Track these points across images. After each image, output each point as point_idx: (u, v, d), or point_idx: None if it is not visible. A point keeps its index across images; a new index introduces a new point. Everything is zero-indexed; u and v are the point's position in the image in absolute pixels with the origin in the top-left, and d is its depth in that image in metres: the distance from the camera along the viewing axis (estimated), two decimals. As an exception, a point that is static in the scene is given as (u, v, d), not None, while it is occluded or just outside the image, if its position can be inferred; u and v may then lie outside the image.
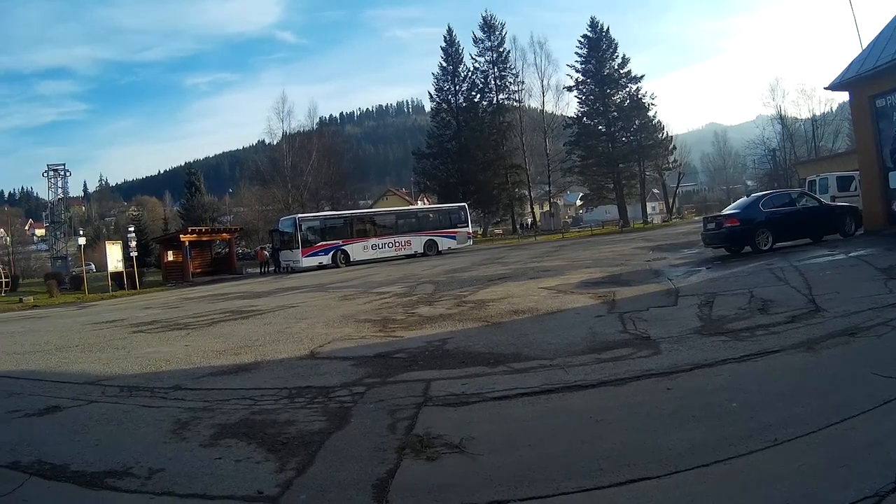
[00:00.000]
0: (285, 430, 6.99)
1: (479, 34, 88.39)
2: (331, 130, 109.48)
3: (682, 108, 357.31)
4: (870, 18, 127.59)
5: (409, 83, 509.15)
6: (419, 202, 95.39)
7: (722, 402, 6.64)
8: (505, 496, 4.96)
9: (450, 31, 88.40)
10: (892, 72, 21.69)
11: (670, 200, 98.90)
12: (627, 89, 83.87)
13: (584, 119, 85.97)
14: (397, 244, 50.74)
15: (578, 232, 77.27)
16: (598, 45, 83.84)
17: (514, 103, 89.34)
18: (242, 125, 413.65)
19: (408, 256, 50.35)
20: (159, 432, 7.31)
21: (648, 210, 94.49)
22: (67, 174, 59.83)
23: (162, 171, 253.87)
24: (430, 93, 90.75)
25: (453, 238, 53.13)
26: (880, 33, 23.67)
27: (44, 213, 68.77)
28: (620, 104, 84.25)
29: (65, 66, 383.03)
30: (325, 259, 47.11)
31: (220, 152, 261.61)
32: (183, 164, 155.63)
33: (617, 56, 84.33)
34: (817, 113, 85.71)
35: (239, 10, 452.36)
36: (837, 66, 75.72)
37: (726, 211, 25.76)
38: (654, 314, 12.44)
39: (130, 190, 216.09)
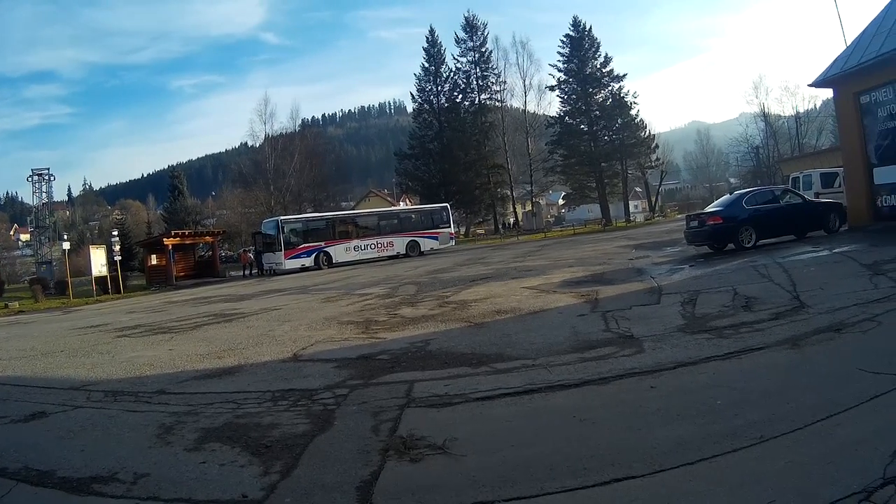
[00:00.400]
0: (269, 434, 6.98)
1: (462, 34, 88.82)
2: (313, 132, 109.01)
3: (664, 106, 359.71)
4: (854, 15, 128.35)
5: (395, 84, 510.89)
6: (401, 203, 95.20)
7: (707, 400, 6.65)
8: (489, 497, 4.96)
9: (432, 31, 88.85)
10: (877, 68, 21.78)
11: (653, 199, 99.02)
12: (610, 88, 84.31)
13: (567, 118, 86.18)
14: (379, 245, 50.77)
15: (561, 231, 77.46)
16: (580, 45, 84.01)
17: (497, 103, 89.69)
18: (228, 126, 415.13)
19: (390, 258, 50.32)
20: (144, 437, 7.30)
21: (631, 208, 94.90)
22: (52, 178, 59.53)
23: (145, 175, 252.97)
24: (412, 93, 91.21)
25: (436, 239, 53.19)
26: (864, 30, 23.75)
27: (28, 218, 68.45)
28: (603, 103, 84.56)
29: (51, 70, 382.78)
30: (308, 261, 47.14)
31: (204, 155, 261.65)
32: (166, 167, 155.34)
33: (599, 55, 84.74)
34: (801, 110, 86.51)
35: (225, 13, 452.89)
36: (821, 63, 75.87)
37: (709, 209, 25.77)
38: (638, 313, 12.47)
39: (114, 194, 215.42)
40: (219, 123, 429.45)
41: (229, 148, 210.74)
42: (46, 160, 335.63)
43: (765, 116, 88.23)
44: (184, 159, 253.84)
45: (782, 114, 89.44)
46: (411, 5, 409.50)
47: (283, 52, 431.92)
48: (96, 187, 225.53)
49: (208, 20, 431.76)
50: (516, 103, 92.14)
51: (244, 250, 60.90)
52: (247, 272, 52.84)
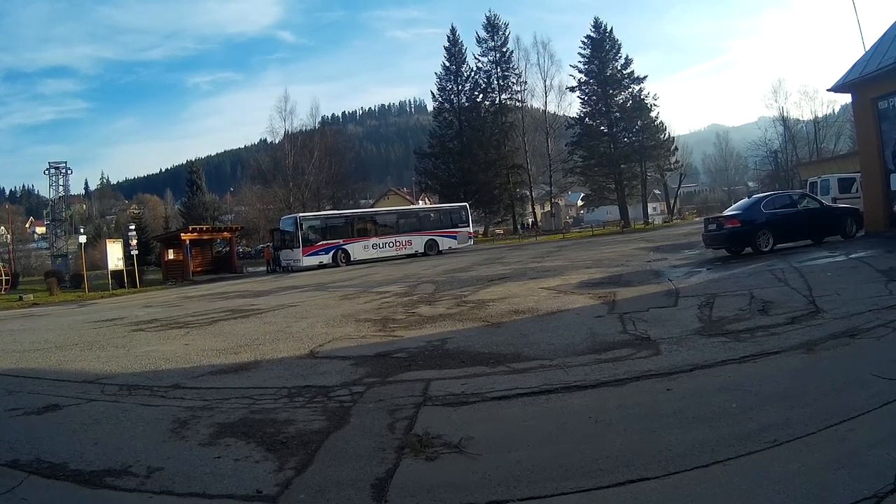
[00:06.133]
0: (284, 430, 6.99)
1: (483, 34, 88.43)
2: (333, 129, 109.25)
3: (684, 108, 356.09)
4: (873, 20, 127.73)
5: (410, 84, 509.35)
6: (420, 202, 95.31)
7: (721, 403, 6.65)
8: (504, 496, 4.97)
9: (453, 30, 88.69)
10: (895, 74, 21.68)
11: (671, 201, 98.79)
12: (630, 90, 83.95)
13: (587, 119, 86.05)
14: (398, 244, 50.74)
15: (579, 232, 77.21)
16: (601, 46, 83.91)
17: (517, 103, 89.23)
18: (244, 124, 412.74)
19: (408, 256, 50.29)
20: (158, 431, 7.31)
21: (650, 211, 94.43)
22: (69, 172, 59.78)
23: (163, 170, 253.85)
24: (432, 92, 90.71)
25: (454, 238, 53.07)
26: (883, 35, 23.71)
27: (45, 211, 68.78)
28: (623, 105, 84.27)
29: (66, 65, 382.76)
30: (326, 258, 47.09)
31: (222, 151, 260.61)
32: (184, 162, 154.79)
33: (620, 57, 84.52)
34: (819, 114, 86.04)
35: (239, 11, 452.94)
36: (840, 67, 75.71)
37: (727, 212, 25.74)
38: (655, 315, 12.43)
39: (132, 188, 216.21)
40: (234, 120, 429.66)
41: (248, 144, 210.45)
42: (62, 154, 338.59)
43: (783, 120, 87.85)
44: (202, 154, 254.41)
45: (801, 118, 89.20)
46: (426, 6, 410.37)
47: (298, 51, 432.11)
48: (113, 181, 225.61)
49: (222, 18, 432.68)
50: (536, 104, 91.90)
51: (267, 246, 60.90)
52: (270, 268, 52.67)
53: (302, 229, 46.79)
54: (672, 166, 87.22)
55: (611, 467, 5.30)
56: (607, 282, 18.57)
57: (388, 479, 5.45)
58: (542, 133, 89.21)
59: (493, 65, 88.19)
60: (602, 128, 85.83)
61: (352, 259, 47.90)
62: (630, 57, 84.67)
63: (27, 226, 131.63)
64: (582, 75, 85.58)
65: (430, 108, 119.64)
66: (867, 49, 25.06)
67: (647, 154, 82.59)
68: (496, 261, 34.21)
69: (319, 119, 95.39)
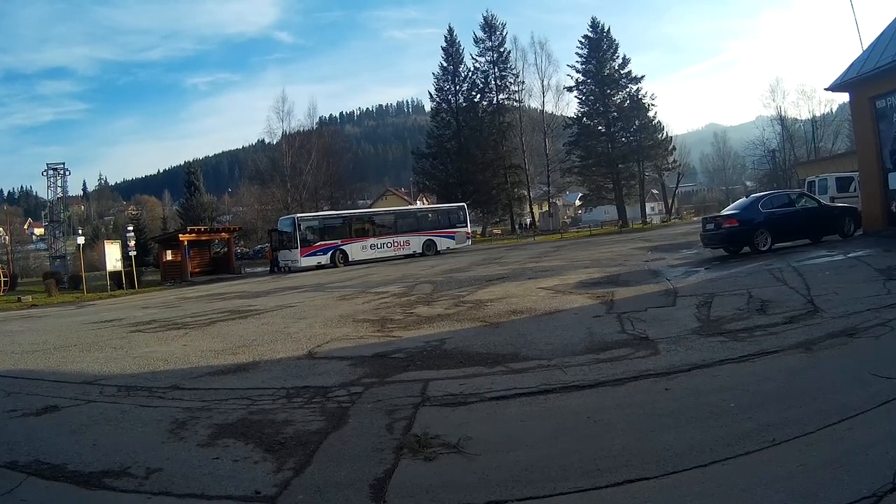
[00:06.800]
0: (283, 430, 6.99)
1: (480, 34, 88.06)
2: (330, 130, 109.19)
3: (681, 108, 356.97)
4: (871, 19, 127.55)
5: (408, 84, 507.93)
6: (418, 202, 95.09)
7: (720, 403, 6.64)
8: (502, 496, 4.97)
9: (451, 30, 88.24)
10: (893, 73, 21.71)
11: (669, 201, 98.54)
12: (627, 90, 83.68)
13: (584, 119, 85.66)
14: (396, 244, 50.60)
15: (577, 232, 77.16)
16: (598, 46, 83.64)
17: (514, 103, 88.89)
18: (243, 124, 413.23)
19: (406, 256, 50.17)
20: (157, 432, 7.31)
21: (647, 210, 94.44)
22: (67, 173, 59.64)
23: (161, 171, 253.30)
24: (430, 93, 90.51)
25: (452, 238, 52.97)
26: (881, 34, 23.69)
27: (43, 213, 68.66)
28: (620, 104, 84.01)
29: (65, 66, 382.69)
30: (324, 259, 46.97)
31: (220, 151, 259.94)
32: (182, 163, 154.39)
33: (617, 56, 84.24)
34: (817, 114, 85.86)
35: (238, 11, 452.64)
36: (838, 66, 75.60)
37: (725, 211, 25.75)
38: (653, 314, 12.43)
39: (130, 189, 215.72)
40: (233, 121, 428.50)
41: (246, 145, 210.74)
42: (60, 155, 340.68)
43: (781, 120, 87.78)
44: (200, 155, 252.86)
45: (799, 117, 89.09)
46: (424, 6, 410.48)
47: (297, 52, 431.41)
48: (111, 182, 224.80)
49: (221, 19, 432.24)
50: (534, 103, 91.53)
51: (268, 247, 60.72)
52: (273, 268, 52.39)
53: (300, 230, 46.73)
54: (670, 166, 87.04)
55: (609, 467, 5.30)
56: (605, 282, 18.56)
57: (387, 479, 5.46)
58: (539, 133, 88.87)
59: (491, 65, 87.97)
60: (600, 127, 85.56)
61: (350, 259, 47.76)
62: (627, 56, 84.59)
63: (25, 227, 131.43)
64: (579, 75, 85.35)
65: (427, 108, 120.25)
66: (865, 48, 25.06)
67: (645, 154, 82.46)
68: (494, 261, 34.18)
69: (317, 120, 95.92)
